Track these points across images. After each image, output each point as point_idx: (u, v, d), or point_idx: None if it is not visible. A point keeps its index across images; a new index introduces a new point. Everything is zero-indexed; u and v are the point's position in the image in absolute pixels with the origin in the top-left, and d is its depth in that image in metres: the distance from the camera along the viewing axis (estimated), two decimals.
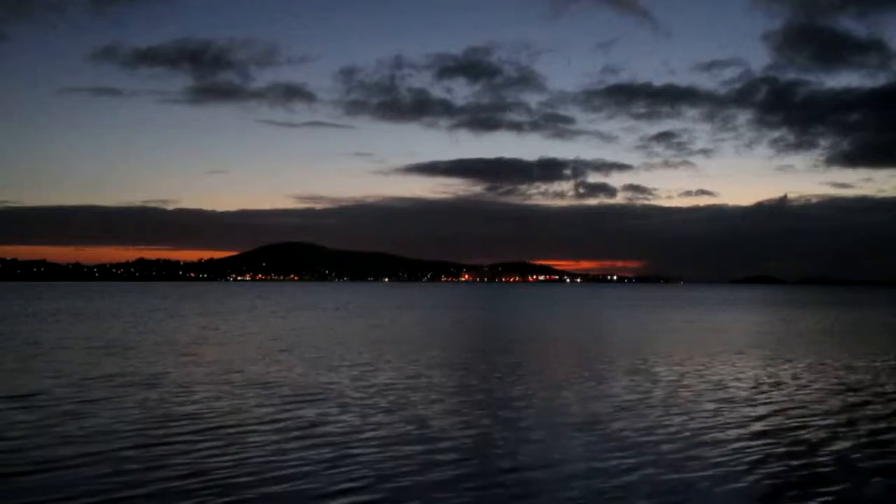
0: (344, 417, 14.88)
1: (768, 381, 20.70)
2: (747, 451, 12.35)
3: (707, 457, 11.90)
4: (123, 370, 21.77)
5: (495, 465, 11.30)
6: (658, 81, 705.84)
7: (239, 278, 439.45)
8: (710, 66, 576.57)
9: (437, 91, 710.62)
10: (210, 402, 16.57)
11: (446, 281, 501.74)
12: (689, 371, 22.59)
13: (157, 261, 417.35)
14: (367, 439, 12.95)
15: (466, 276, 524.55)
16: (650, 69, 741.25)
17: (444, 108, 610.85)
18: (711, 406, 16.54)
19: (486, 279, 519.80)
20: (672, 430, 13.91)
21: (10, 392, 17.61)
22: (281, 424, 14.14)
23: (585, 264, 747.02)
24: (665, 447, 12.51)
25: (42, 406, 15.85)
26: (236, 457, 11.65)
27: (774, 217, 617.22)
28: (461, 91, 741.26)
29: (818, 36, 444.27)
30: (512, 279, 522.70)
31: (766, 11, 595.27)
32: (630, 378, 20.86)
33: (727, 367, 23.85)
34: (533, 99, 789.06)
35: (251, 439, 12.89)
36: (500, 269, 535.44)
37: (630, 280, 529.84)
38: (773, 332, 41.75)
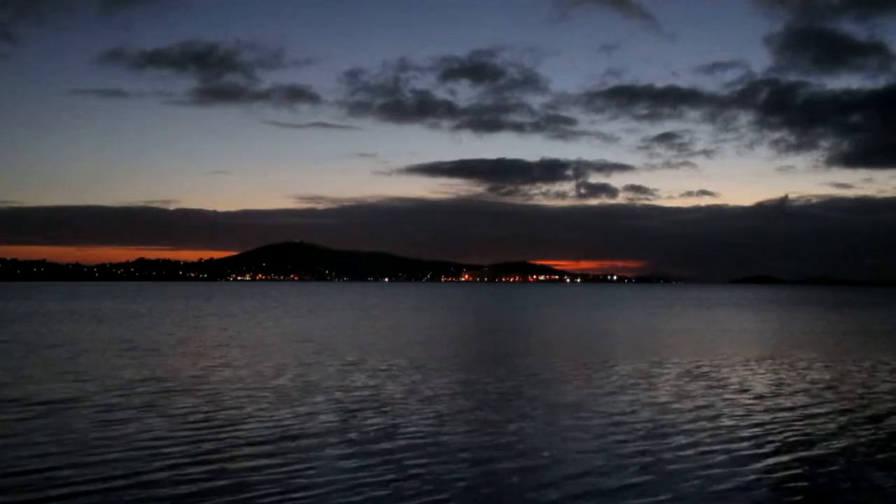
0: (392, 425, 14.46)
1: (820, 384, 20.32)
2: (825, 462, 12.00)
3: (787, 465, 11.55)
4: (156, 374, 21.36)
5: (562, 479, 10.91)
6: (660, 83, 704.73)
7: (239, 278, 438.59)
8: (712, 69, 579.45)
9: (441, 93, 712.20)
10: (252, 408, 16.16)
11: (446, 281, 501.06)
12: (740, 375, 22.21)
13: (157, 261, 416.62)
14: (422, 447, 12.53)
15: (466, 276, 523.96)
16: (653, 71, 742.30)
17: (448, 110, 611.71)
18: (775, 413, 16.18)
19: (486, 279, 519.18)
20: (745, 435, 13.56)
21: (48, 398, 17.20)
22: (330, 434, 13.64)
23: (585, 264, 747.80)
24: (733, 457, 12.15)
25: (81, 413, 15.45)
26: (286, 468, 11.16)
27: (775, 217, 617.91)
28: (464, 93, 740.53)
29: (819, 39, 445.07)
30: (512, 279, 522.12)
31: (768, 14, 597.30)
32: (676, 382, 20.50)
33: (778, 369, 23.51)
34: (535, 100, 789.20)
35: (298, 450, 12.39)
36: (501, 269, 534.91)
37: (630, 280, 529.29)
38: (802, 332, 41.32)
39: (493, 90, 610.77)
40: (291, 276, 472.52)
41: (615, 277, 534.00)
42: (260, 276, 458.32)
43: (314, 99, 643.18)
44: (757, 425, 14.62)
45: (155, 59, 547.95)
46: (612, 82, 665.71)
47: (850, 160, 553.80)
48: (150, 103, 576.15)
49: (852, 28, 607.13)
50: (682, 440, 13.21)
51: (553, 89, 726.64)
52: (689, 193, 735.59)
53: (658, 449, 12.52)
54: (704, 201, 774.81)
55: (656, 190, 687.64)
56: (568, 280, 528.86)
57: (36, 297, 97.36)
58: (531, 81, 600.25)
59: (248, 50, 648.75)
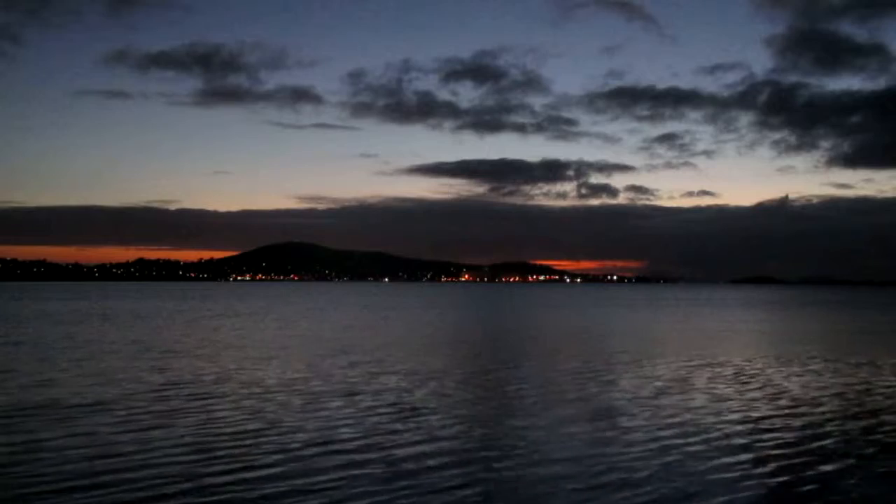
0: (423, 433, 14.05)
1: (855, 386, 19.97)
2: (879, 468, 11.64)
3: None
4: (177, 377, 20.97)
5: (603, 492, 10.54)
6: (661, 84, 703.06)
7: (239, 278, 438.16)
8: (713, 70, 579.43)
9: (443, 93, 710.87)
10: (277, 413, 15.77)
11: (446, 281, 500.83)
12: (770, 376, 21.85)
13: (157, 261, 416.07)
14: (453, 455, 12.13)
15: (466, 276, 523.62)
16: (654, 72, 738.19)
17: (450, 110, 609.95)
18: (819, 417, 15.84)
19: (486, 279, 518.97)
20: (793, 441, 13.22)
21: (71, 402, 16.81)
22: (360, 442, 13.23)
23: (585, 264, 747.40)
24: (783, 466, 11.80)
25: (106, 418, 15.06)
26: (315, 478, 10.72)
27: (775, 217, 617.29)
28: (467, 94, 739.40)
29: (820, 40, 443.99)
30: (512, 279, 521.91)
31: (769, 16, 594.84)
32: (709, 385, 20.15)
33: (805, 371, 23.18)
34: (537, 101, 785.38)
35: (326, 457, 11.99)
36: (501, 269, 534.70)
37: (630, 280, 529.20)
38: (817, 333, 40.96)
39: (495, 91, 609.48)
40: (291, 276, 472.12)
41: (615, 277, 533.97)
42: (260, 276, 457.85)
43: (317, 100, 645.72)
44: (803, 431, 14.28)
45: (159, 61, 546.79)
46: (614, 83, 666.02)
47: (851, 161, 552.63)
48: (153, 104, 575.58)
49: (853, 29, 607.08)
50: (729, 448, 12.86)
51: (555, 90, 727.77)
52: (690, 194, 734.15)
53: (705, 459, 12.15)
54: (705, 201, 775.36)
55: (657, 190, 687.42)
56: (568, 280, 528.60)
57: (39, 298, 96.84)
58: (533, 82, 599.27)
59: (252, 51, 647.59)
